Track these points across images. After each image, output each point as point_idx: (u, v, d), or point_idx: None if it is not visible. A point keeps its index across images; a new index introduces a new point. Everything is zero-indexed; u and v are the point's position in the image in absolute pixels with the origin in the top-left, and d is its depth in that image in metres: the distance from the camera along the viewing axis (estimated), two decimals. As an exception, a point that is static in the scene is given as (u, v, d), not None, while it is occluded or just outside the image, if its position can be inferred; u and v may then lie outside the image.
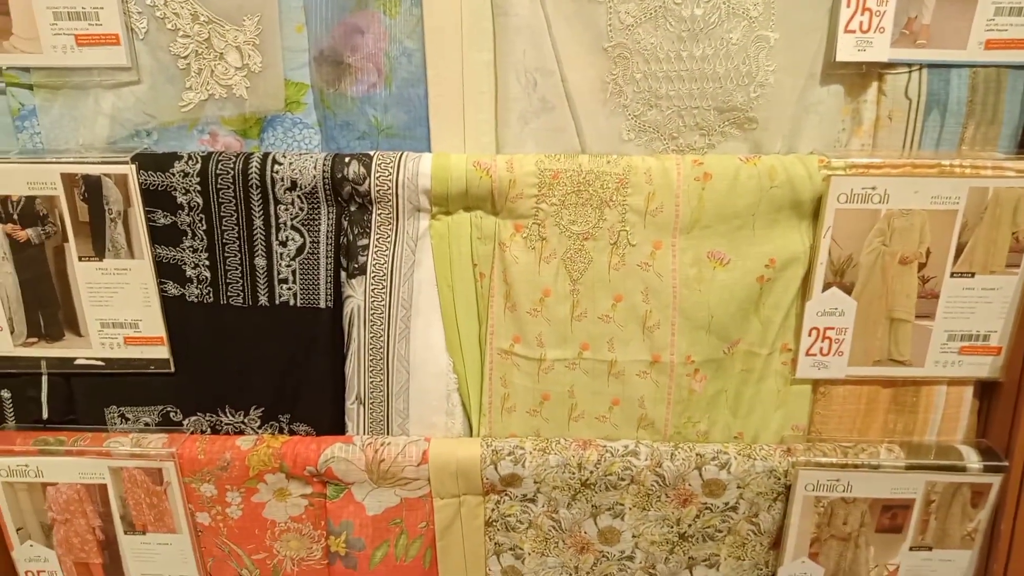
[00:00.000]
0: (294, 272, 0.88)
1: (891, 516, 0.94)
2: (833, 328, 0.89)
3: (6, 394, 0.95)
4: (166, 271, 0.88)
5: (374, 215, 0.86)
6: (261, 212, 0.86)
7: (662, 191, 0.84)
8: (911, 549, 0.95)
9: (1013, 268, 0.87)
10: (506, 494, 0.93)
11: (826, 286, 0.88)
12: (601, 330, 0.89)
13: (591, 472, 0.91)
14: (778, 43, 0.82)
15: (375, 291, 0.88)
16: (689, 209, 0.84)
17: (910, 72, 0.83)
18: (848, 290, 0.88)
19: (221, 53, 0.82)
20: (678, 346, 0.89)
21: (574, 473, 0.91)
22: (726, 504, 0.93)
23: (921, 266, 0.87)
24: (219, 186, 0.84)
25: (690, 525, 0.94)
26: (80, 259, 0.87)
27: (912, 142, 0.86)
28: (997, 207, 0.84)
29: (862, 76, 0.85)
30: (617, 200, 0.84)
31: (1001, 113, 0.86)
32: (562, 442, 0.92)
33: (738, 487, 0.92)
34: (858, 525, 0.94)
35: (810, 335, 0.90)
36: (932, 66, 0.83)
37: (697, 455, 0.91)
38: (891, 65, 0.83)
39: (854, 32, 0.80)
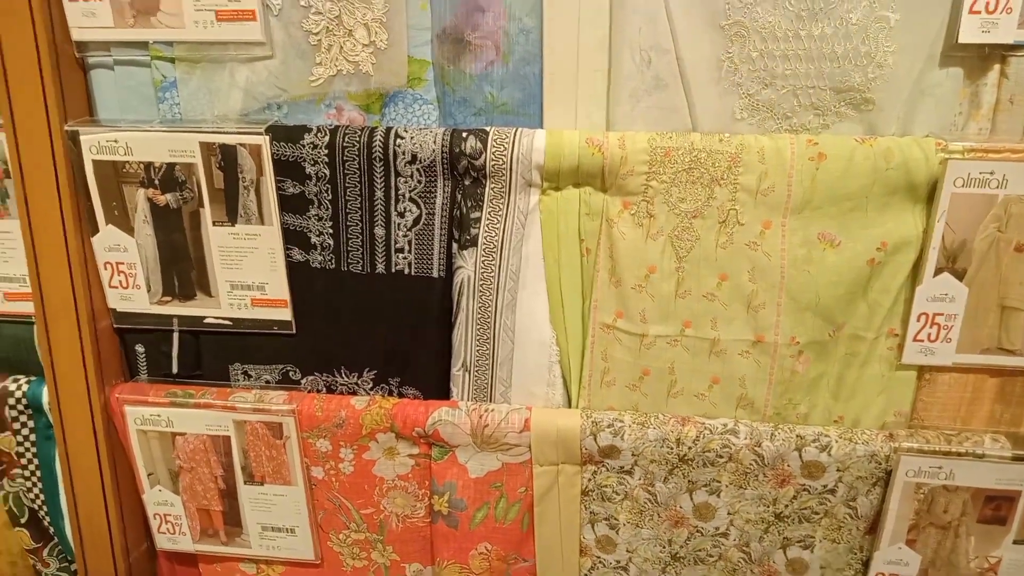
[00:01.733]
0: (410, 242, 0.93)
1: (994, 507, 0.94)
2: (942, 314, 0.89)
3: (140, 348, 1.04)
4: (292, 238, 0.95)
5: (488, 189, 0.90)
6: (382, 184, 0.91)
7: (775, 171, 0.85)
8: (1015, 543, 0.94)
9: None
10: (603, 465, 0.97)
11: (937, 271, 0.88)
12: (705, 308, 0.91)
13: (689, 448, 0.94)
14: (898, 24, 0.82)
15: (486, 262, 0.93)
16: (802, 189, 0.85)
17: (1036, 54, 0.82)
18: (960, 276, 0.88)
19: (350, 30, 0.88)
20: (783, 327, 0.90)
21: (672, 448, 0.94)
22: (824, 487, 0.94)
23: (1040, 254, 0.86)
24: (345, 158, 0.90)
25: (786, 506, 0.96)
26: (214, 224, 0.94)
27: (1036, 127, 0.85)
28: (1123, 194, 0.82)
29: (983, 58, 0.84)
30: (728, 179, 0.86)
31: None
32: (660, 417, 0.95)
33: (838, 470, 0.93)
34: (959, 514, 0.94)
35: (919, 320, 0.90)
36: (1061, 48, 0.82)
37: (797, 436, 0.93)
38: (1016, 47, 0.82)
39: (979, 13, 0.80)
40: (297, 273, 0.96)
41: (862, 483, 0.94)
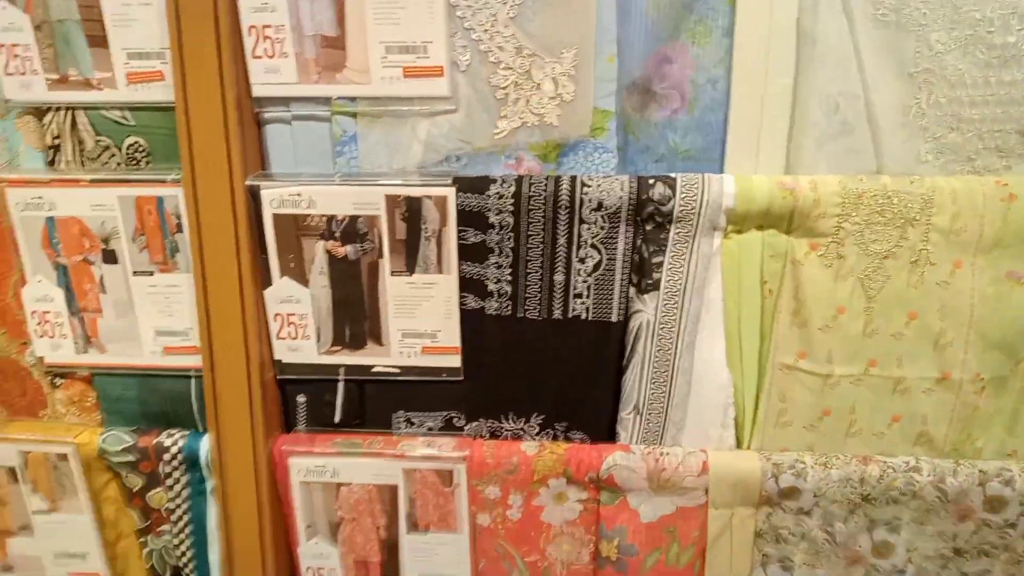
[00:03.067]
0: (589, 287, 0.95)
1: None
2: (1118, 349, 0.92)
3: (301, 399, 1.05)
4: (468, 285, 0.97)
5: (672, 233, 0.93)
6: (565, 231, 0.93)
7: (967, 211, 0.88)
8: None
9: None
10: (780, 507, 0.99)
11: (1118, 304, 0.90)
12: (892, 347, 0.94)
13: (872, 487, 0.96)
14: (1085, 69, 0.85)
15: (667, 306, 0.95)
16: (993, 229, 0.88)
17: None
18: None
19: (538, 83, 0.90)
20: (968, 364, 0.93)
21: (855, 488, 0.96)
22: (1005, 521, 0.96)
23: None
24: (530, 207, 0.92)
25: (966, 541, 0.98)
26: (392, 274, 0.96)
27: None
28: None
29: None
30: (921, 220, 0.89)
31: None
32: (841, 457, 0.97)
33: (1020, 503, 0.95)
34: None
35: (1095, 354, 0.93)
36: None
37: (980, 472, 0.95)
38: None
39: None
40: (471, 320, 0.98)
41: (1043, 518, 0.96)
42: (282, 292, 0.98)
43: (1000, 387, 0.95)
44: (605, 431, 1.03)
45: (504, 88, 0.91)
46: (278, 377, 1.03)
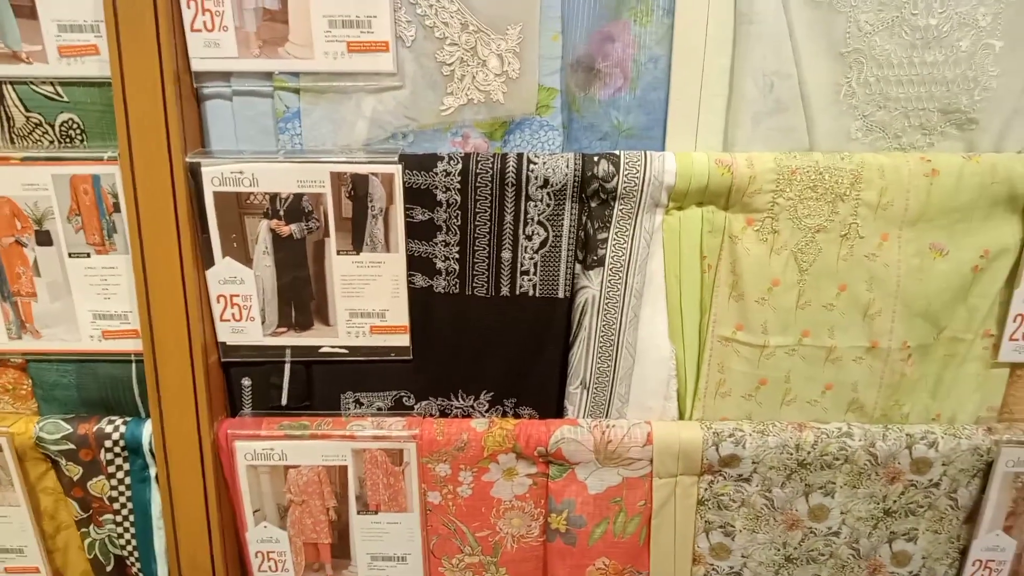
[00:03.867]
0: (536, 264, 0.98)
1: (1085, 493, 1.04)
2: (1036, 314, 0.99)
3: (247, 382, 1.05)
4: (416, 264, 0.98)
5: (616, 210, 0.96)
6: (512, 208, 0.95)
7: (894, 186, 0.93)
8: (1100, 523, 1.05)
9: None
10: (721, 474, 1.03)
11: (1033, 274, 0.98)
12: (824, 318, 0.99)
13: (808, 453, 1.01)
14: (1002, 50, 0.92)
15: (612, 282, 0.98)
16: (918, 203, 0.94)
17: (1121, 76, 0.93)
18: (1053, 278, 0.98)
19: (484, 60, 0.92)
20: (896, 332, 0.99)
21: (791, 454, 1.01)
22: (930, 481, 1.03)
23: (1118, 253, 0.97)
24: (477, 184, 0.94)
25: (895, 501, 1.04)
26: (338, 253, 0.96)
27: (1117, 141, 0.96)
28: None
29: (1072, 78, 0.94)
30: (851, 195, 0.94)
31: None
32: (778, 424, 1.02)
33: (943, 464, 1.02)
34: (1051, 500, 1.04)
35: (1015, 321, 1.00)
36: None
37: (907, 435, 1.01)
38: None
39: (1074, 38, 0.90)
40: (419, 299, 0.99)
41: (964, 475, 1.03)
42: (225, 272, 0.97)
43: (925, 354, 1.01)
44: (553, 406, 1.06)
45: (450, 64, 0.93)
46: (222, 360, 1.03)
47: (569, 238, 0.97)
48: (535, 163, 0.93)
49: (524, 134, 0.96)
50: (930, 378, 1.03)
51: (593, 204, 0.96)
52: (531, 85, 0.93)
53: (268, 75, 0.93)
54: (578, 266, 0.99)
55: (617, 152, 0.94)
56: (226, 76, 0.93)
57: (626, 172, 0.93)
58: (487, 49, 0.92)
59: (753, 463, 1.01)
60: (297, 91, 0.94)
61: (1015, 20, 0.90)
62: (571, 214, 0.96)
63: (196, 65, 0.92)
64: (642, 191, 0.94)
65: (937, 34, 0.90)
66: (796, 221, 0.95)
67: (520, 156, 0.93)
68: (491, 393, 1.04)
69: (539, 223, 0.96)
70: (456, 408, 1.05)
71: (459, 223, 0.96)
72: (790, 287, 0.97)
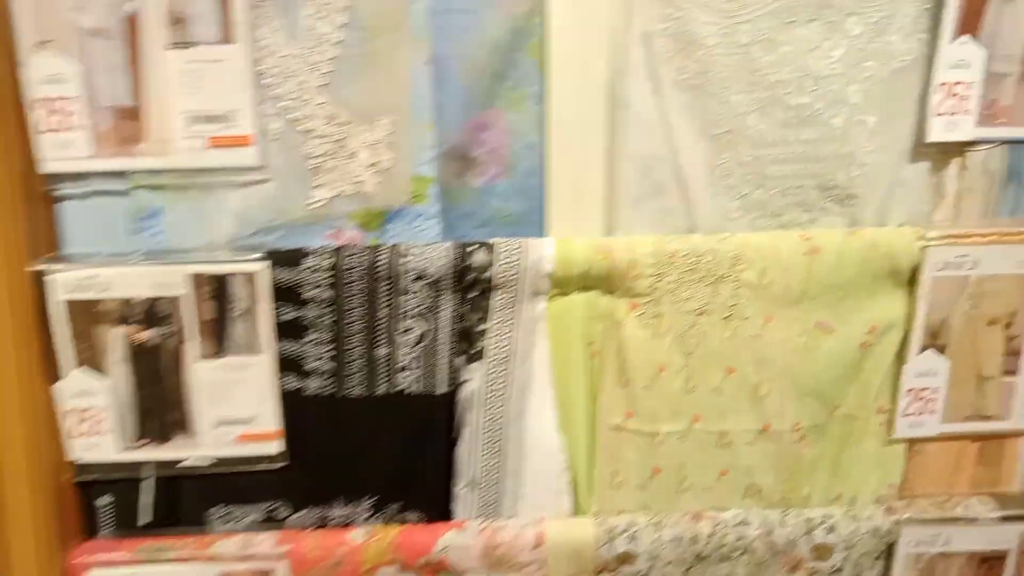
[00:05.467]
0: (414, 360, 0.95)
1: (987, 568, 1.05)
2: (928, 388, 1.00)
3: (104, 501, 0.98)
4: (286, 365, 0.94)
5: (494, 300, 0.94)
6: (387, 303, 0.92)
7: (774, 266, 0.94)
8: (1008, 598, 1.05)
9: (1088, 324, 1.00)
10: (617, 573, 1.00)
11: (921, 349, 0.99)
12: (713, 402, 0.98)
13: (704, 544, 0.99)
14: (875, 126, 0.94)
15: (493, 375, 0.96)
16: (798, 282, 0.94)
17: (990, 148, 0.96)
18: (941, 351, 0.99)
19: (354, 152, 0.90)
20: (787, 414, 0.98)
21: (688, 547, 0.99)
22: (832, 567, 1.02)
23: (1007, 326, 0.99)
24: (347, 279, 0.91)
25: (800, 589, 1.03)
26: (201, 358, 0.92)
27: (992, 212, 0.99)
28: (1074, 270, 0.97)
29: (945, 153, 0.97)
30: (731, 276, 0.94)
31: (1069, 183, 0.99)
32: (674, 516, 1.00)
33: (845, 549, 1.01)
34: (956, 579, 1.04)
35: (907, 396, 1.01)
36: (1010, 142, 0.96)
37: (806, 520, 1.00)
38: (972, 143, 0.96)
39: (943, 115, 0.93)
40: (291, 402, 0.95)
41: (866, 559, 1.02)
42: (75, 385, 0.91)
43: (820, 434, 1.01)
44: (442, 509, 1.01)
45: (318, 157, 0.90)
46: (76, 479, 0.96)
47: (448, 331, 0.94)
48: (408, 255, 0.91)
49: (400, 224, 0.94)
50: (828, 458, 1.02)
51: (472, 294, 0.94)
52: (404, 175, 0.92)
53: (125, 174, 0.89)
54: (460, 359, 0.96)
55: (493, 241, 0.92)
56: (80, 177, 0.89)
57: (502, 261, 0.91)
58: (356, 141, 0.90)
59: (649, 560, 0.99)
60: (157, 189, 0.90)
61: (886, 96, 0.93)
62: (449, 306, 0.93)
63: (47, 167, 0.87)
64: (520, 280, 0.92)
65: (810, 112, 0.92)
66: (678, 304, 0.94)
67: (392, 248, 0.91)
68: (374, 499, 0.99)
69: (416, 317, 0.93)
70: (336, 517, 1.00)
71: (330, 320, 0.92)
72: (676, 372, 0.96)
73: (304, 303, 0.91)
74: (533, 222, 0.96)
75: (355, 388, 0.95)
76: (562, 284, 0.94)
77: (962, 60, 0.91)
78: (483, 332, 0.95)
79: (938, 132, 0.93)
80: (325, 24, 0.85)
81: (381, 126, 0.89)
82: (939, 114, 0.92)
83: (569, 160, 0.93)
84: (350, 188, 0.91)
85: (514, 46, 0.89)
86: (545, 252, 0.92)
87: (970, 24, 0.90)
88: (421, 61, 0.88)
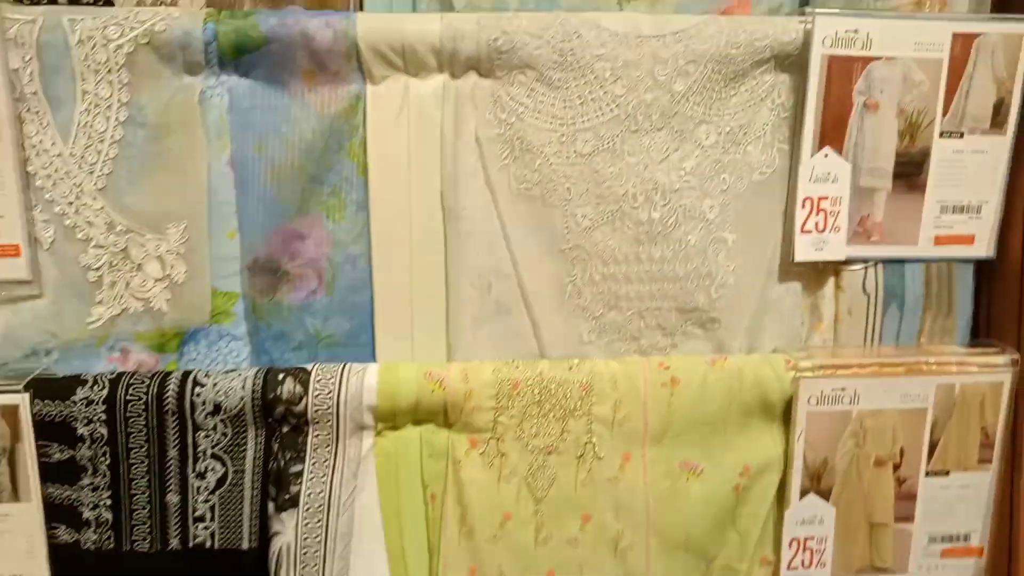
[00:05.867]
0: (213, 508, 0.81)
1: None
2: (813, 537, 0.89)
3: None
4: (57, 514, 0.80)
5: (310, 437, 0.81)
6: (177, 441, 0.79)
7: (628, 398, 0.83)
8: None
9: (985, 464, 0.90)
10: None
11: (803, 493, 0.87)
12: (569, 555, 0.85)
13: None
14: (736, 244, 0.85)
15: (309, 525, 0.82)
16: (658, 417, 0.84)
17: (866, 268, 0.88)
18: (825, 495, 0.88)
19: (139, 264, 0.79)
20: (654, 569, 0.86)
21: None
22: None
23: (896, 467, 0.88)
24: (128, 414, 0.78)
25: None
26: (-53, 507, 0.77)
27: (873, 336, 0.90)
28: (965, 404, 0.87)
29: (819, 272, 0.89)
30: (582, 409, 0.83)
31: (955, 305, 0.91)
32: None
33: None
34: None
35: (791, 547, 0.89)
36: (887, 262, 0.88)
37: None
38: (847, 262, 0.87)
39: (810, 232, 0.85)
40: (63, 558, 0.80)
41: None
42: None
43: (698, 591, 0.88)
44: None
45: (97, 269, 0.79)
46: None
47: (254, 474, 0.81)
48: (203, 385, 0.78)
49: (200, 346, 0.82)
50: (710, 616, 0.89)
51: (284, 429, 0.81)
52: (202, 290, 0.81)
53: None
54: (270, 506, 0.82)
55: (307, 367, 0.80)
56: None
57: (316, 392, 0.79)
58: (142, 251, 0.78)
59: None
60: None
61: (745, 213, 0.85)
62: (256, 444, 0.81)
63: None
64: (338, 413, 0.80)
65: (662, 228, 0.83)
66: (524, 442, 0.83)
67: (185, 376, 0.78)
68: (164, 673, 0.83)
69: (214, 456, 0.80)
70: None
71: (108, 462, 0.79)
72: (525, 521, 0.83)
73: (77, 441, 0.78)
74: (361, 344, 0.85)
75: (141, 541, 0.81)
76: (390, 418, 0.82)
77: (826, 173, 0.84)
78: (297, 474, 0.82)
79: (805, 251, 0.85)
80: (101, 120, 0.75)
81: (172, 234, 0.78)
82: (805, 231, 0.84)
83: (398, 275, 0.83)
84: (136, 304, 0.79)
85: (332, 147, 0.80)
86: (367, 381, 0.80)
87: (832, 135, 0.83)
88: (221, 162, 0.78)
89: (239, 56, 0.77)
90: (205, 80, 0.78)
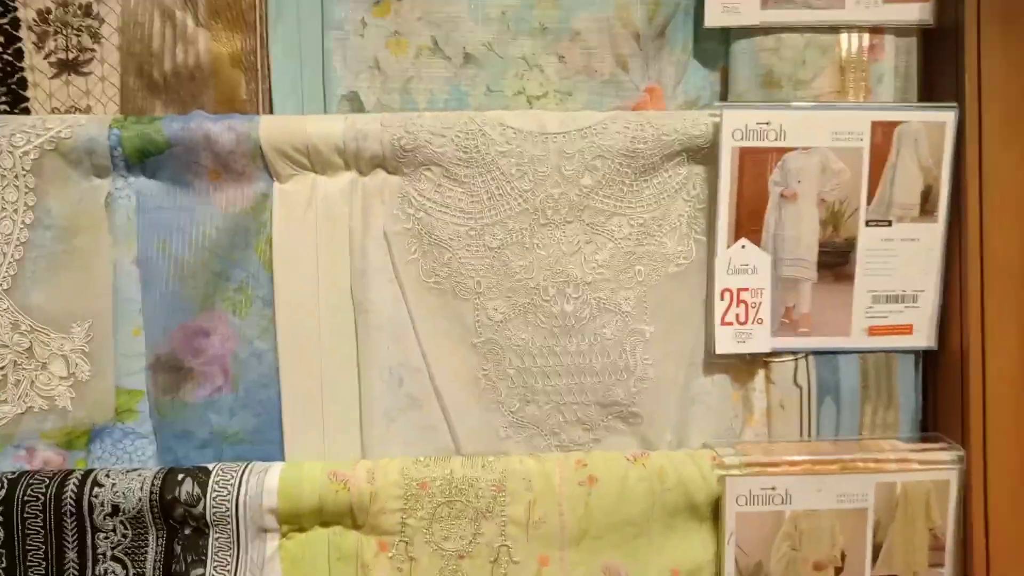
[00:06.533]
0: (112, 613, 0.79)
1: None
2: (752, 650, 0.83)
3: None
4: (-53, 624, 0.78)
5: (211, 540, 0.79)
6: (76, 542, 0.78)
7: (544, 498, 0.80)
8: None
9: (937, 568, 0.84)
10: None
11: (737, 599, 0.83)
12: (485, 672, 0.81)
13: None
14: (653, 336, 0.83)
15: (211, 632, 0.79)
16: (575, 518, 0.80)
17: (796, 360, 0.85)
18: (763, 603, 0.83)
19: (44, 363, 0.79)
20: None
21: None
22: None
23: (838, 571, 0.84)
24: (26, 515, 0.77)
25: None
26: None
27: (809, 430, 0.86)
28: (908, 504, 0.83)
29: (747, 364, 0.86)
30: (495, 510, 0.80)
31: (896, 397, 0.87)
32: None
33: None
34: None
35: (727, 658, 0.83)
36: (818, 353, 0.85)
37: None
38: (775, 355, 0.85)
39: (731, 324, 0.82)
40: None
41: None
42: None
43: None
44: None
45: (1, 368, 0.79)
46: None
47: (155, 576, 0.78)
48: (102, 486, 0.77)
49: (106, 444, 0.82)
50: None
51: (186, 531, 0.79)
52: (106, 388, 0.81)
53: None
54: (173, 612, 0.79)
55: (208, 467, 0.79)
56: None
57: (215, 493, 0.78)
58: (47, 350, 0.79)
59: None
60: None
61: (663, 304, 0.83)
62: (157, 546, 0.79)
63: None
64: (237, 516, 0.78)
65: (576, 321, 0.82)
66: (434, 545, 0.80)
67: (85, 477, 0.78)
68: None
69: (114, 559, 0.78)
70: None
71: (5, 564, 0.77)
72: (437, 633, 0.79)
73: (-28, 543, 0.77)
74: (270, 441, 0.84)
75: (38, 648, 0.78)
76: (295, 519, 0.80)
77: (745, 265, 0.82)
78: (198, 578, 0.79)
79: (726, 344, 0.82)
80: (8, 223, 0.77)
81: (77, 333, 0.78)
82: (725, 323, 0.82)
83: (306, 370, 0.82)
84: (41, 403, 0.79)
85: (238, 244, 0.80)
86: (268, 483, 0.79)
87: (749, 226, 0.82)
88: (127, 262, 0.79)
89: (144, 159, 0.79)
90: (113, 182, 0.80)
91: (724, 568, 0.82)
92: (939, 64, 0.85)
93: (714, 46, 0.87)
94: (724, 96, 0.86)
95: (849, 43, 0.85)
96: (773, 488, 0.82)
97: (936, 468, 0.84)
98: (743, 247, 0.82)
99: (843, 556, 0.83)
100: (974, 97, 0.81)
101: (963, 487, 0.84)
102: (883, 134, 0.83)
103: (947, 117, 0.83)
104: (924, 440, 0.87)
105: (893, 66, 0.86)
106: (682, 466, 0.82)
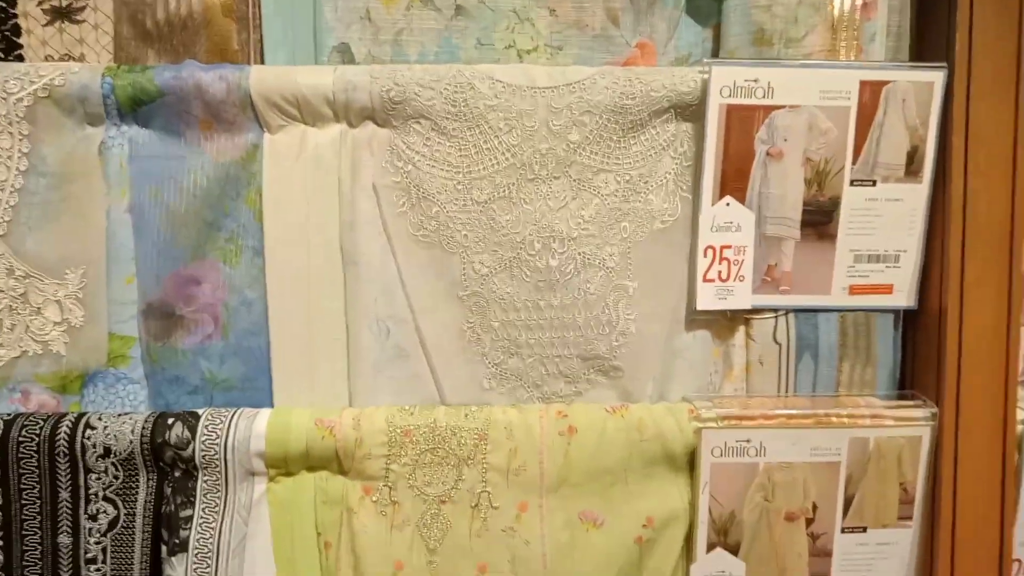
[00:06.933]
0: (104, 550, 0.82)
1: None
2: (723, 595, 0.87)
3: None
4: (-52, 553, 0.81)
5: (200, 482, 0.82)
6: (69, 482, 0.80)
7: (525, 447, 0.82)
8: None
9: (905, 521, 0.87)
10: None
11: (710, 546, 0.86)
12: (465, 608, 0.84)
13: None
14: (637, 292, 0.85)
15: (198, 570, 0.82)
16: (555, 466, 0.83)
17: (776, 317, 0.87)
18: (734, 551, 0.86)
19: (38, 308, 0.81)
20: (553, 626, 0.84)
21: None
22: None
23: (809, 522, 0.86)
24: (20, 454, 0.79)
25: None
26: None
27: (787, 386, 0.88)
28: (881, 459, 0.85)
29: (729, 321, 0.88)
30: (477, 458, 0.82)
31: (875, 355, 0.89)
32: None
33: None
34: None
35: (700, 603, 0.87)
36: (799, 311, 0.87)
37: None
38: (755, 311, 0.86)
39: (713, 281, 0.84)
40: (-46, 599, 0.81)
41: None
42: None
43: (601, 650, 0.86)
44: None
45: (-4, 313, 0.81)
46: None
47: (145, 517, 0.82)
48: (94, 428, 0.80)
49: (99, 389, 0.84)
50: None
51: (176, 474, 0.82)
52: (99, 334, 0.82)
53: None
54: (163, 550, 0.82)
55: (198, 412, 0.81)
56: None
57: (204, 437, 0.80)
58: (41, 295, 0.80)
59: None
60: None
61: (646, 260, 0.84)
62: (147, 487, 0.82)
63: None
64: (226, 459, 0.81)
65: (561, 276, 0.83)
66: (417, 490, 0.82)
67: (78, 419, 0.80)
68: None
69: (106, 499, 0.81)
70: None
71: (0, 502, 0.80)
72: (418, 571, 0.83)
73: (-31, 481, 0.79)
74: (258, 388, 0.85)
75: (32, 583, 0.81)
76: (282, 464, 0.83)
77: (729, 222, 0.83)
78: (187, 519, 0.82)
79: (707, 300, 0.84)
80: (3, 170, 0.78)
81: (71, 280, 0.80)
82: (707, 280, 0.83)
83: (295, 320, 0.84)
84: (36, 347, 0.81)
85: (229, 194, 0.81)
86: (256, 428, 0.81)
87: (734, 184, 0.83)
88: (120, 209, 0.80)
89: (137, 108, 0.79)
90: (106, 131, 0.81)
91: (698, 517, 0.85)
92: (931, 24, 0.85)
93: (707, 2, 0.87)
94: (716, 53, 0.86)
95: (842, 1, 0.85)
96: (748, 440, 0.84)
97: (909, 424, 0.86)
98: (727, 204, 0.83)
99: (815, 508, 0.86)
100: (964, 58, 0.81)
101: (935, 444, 0.86)
102: (871, 93, 0.84)
103: (936, 77, 0.83)
104: (899, 397, 0.89)
105: (885, 25, 0.86)
106: (660, 418, 0.84)
